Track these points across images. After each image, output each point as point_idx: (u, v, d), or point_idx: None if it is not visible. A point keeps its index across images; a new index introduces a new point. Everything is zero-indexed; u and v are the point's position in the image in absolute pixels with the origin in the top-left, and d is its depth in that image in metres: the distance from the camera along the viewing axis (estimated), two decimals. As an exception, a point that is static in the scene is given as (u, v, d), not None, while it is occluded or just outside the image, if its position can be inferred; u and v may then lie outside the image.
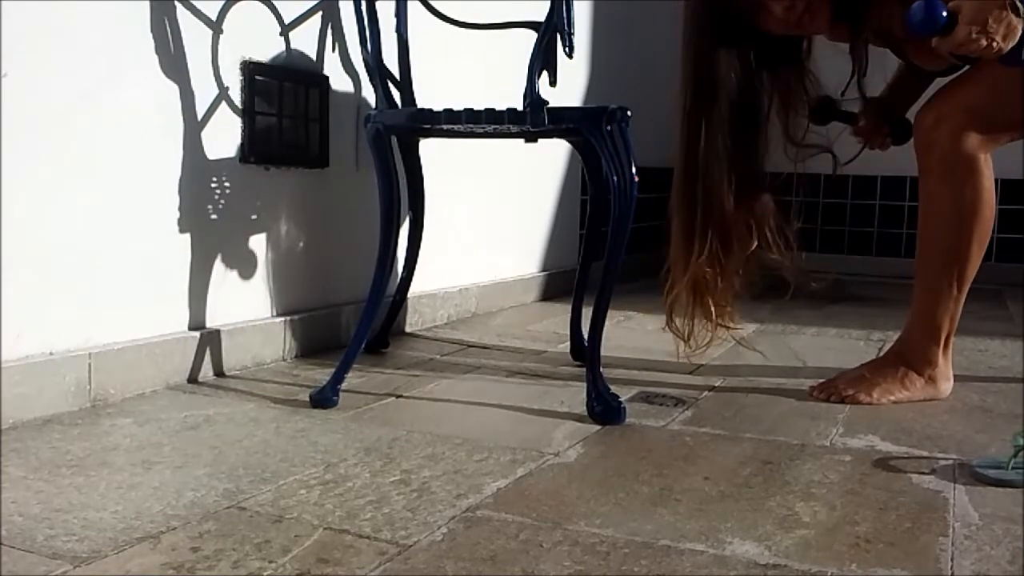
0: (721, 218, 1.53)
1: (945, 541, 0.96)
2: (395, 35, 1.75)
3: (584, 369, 1.48)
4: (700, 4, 1.49)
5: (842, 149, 1.63)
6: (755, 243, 1.55)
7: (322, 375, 1.55)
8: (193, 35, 1.55)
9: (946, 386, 1.58)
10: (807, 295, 1.59)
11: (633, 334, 2.19)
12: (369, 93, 1.90)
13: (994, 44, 1.27)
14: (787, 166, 1.59)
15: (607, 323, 1.46)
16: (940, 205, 1.51)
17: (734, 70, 1.49)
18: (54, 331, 1.36)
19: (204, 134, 1.59)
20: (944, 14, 1.26)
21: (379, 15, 1.61)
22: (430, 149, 1.88)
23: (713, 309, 1.57)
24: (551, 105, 1.44)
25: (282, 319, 1.77)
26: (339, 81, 1.89)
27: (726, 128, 1.50)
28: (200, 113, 1.57)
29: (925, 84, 1.73)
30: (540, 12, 1.47)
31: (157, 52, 1.49)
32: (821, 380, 1.64)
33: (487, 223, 2.49)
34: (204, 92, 1.58)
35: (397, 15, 1.74)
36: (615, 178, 1.40)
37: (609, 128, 1.40)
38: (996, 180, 1.52)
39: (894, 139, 1.73)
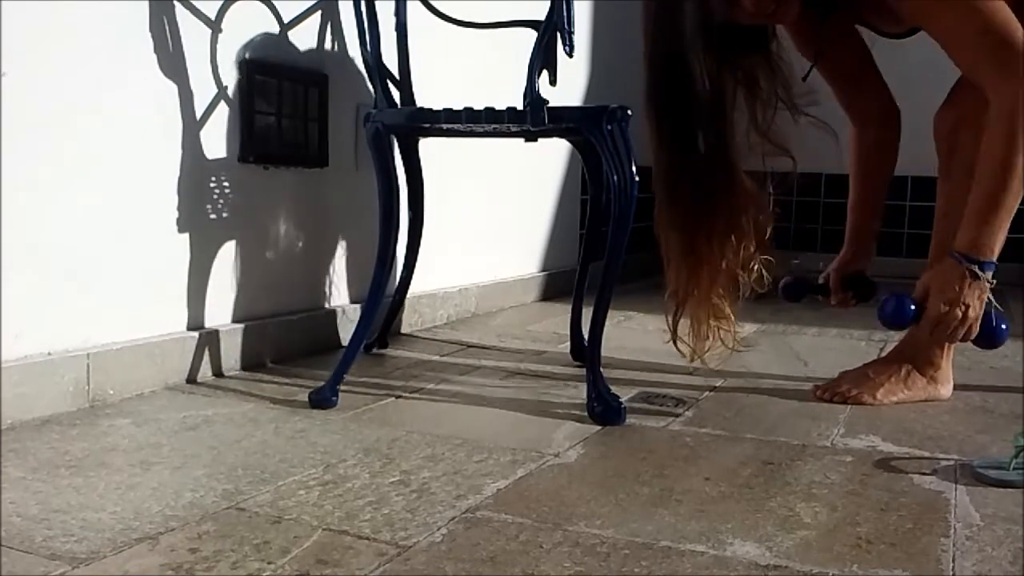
0: (735, 210, 1.47)
1: (946, 542, 0.96)
2: (395, 34, 1.74)
3: (584, 369, 1.47)
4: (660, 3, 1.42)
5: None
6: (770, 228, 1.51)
7: (321, 375, 1.54)
8: (192, 34, 1.55)
9: (948, 387, 1.58)
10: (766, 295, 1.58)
11: (633, 334, 2.19)
12: (369, 92, 1.90)
13: (969, 312, 1.31)
14: (788, 165, 1.57)
15: (607, 323, 1.46)
16: (962, 209, 1.49)
17: (701, 64, 1.39)
18: (53, 331, 1.35)
19: (203, 133, 1.58)
20: (913, 308, 1.34)
21: (379, 14, 1.60)
22: (430, 149, 1.88)
23: (730, 312, 1.53)
24: (551, 104, 1.43)
25: (281, 319, 1.77)
26: (338, 80, 1.89)
27: (709, 125, 1.43)
28: (199, 112, 1.57)
29: (875, 238, 1.74)
30: (540, 11, 1.47)
31: (156, 51, 1.48)
32: (822, 380, 1.63)
33: (487, 223, 2.49)
34: (203, 91, 1.58)
35: (397, 14, 1.74)
36: (615, 178, 1.39)
37: (609, 127, 1.40)
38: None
39: (859, 300, 1.73)
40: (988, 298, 1.33)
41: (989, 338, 1.35)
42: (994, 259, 1.33)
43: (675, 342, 1.54)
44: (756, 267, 1.51)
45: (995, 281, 1.33)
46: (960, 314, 1.32)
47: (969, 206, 1.34)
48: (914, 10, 1.36)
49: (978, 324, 1.33)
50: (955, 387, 1.60)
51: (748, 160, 1.49)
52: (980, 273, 1.31)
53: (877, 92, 1.66)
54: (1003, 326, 1.34)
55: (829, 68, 1.61)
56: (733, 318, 1.54)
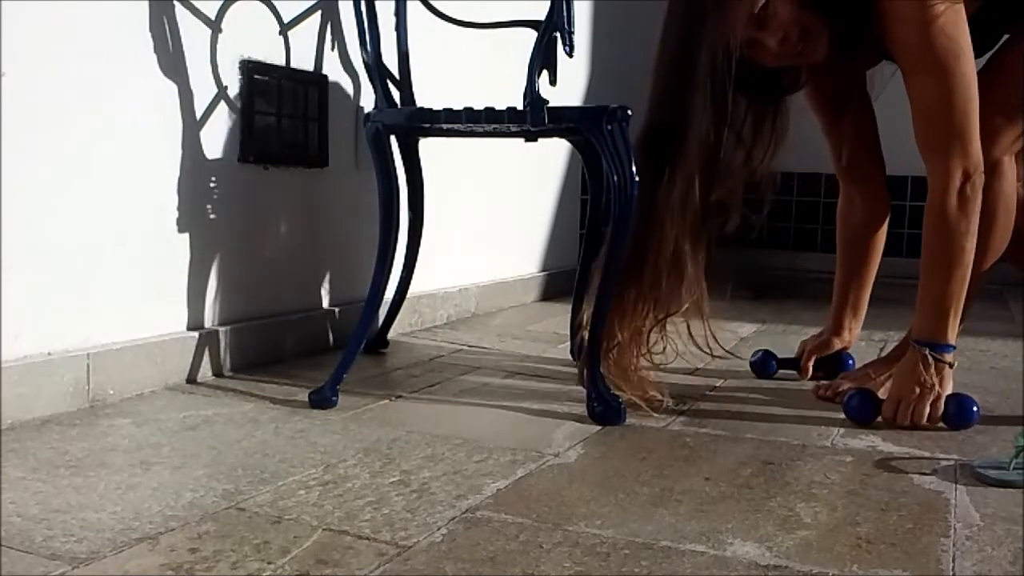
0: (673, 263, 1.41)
1: (947, 542, 0.96)
2: (395, 34, 1.75)
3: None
4: (677, 31, 1.38)
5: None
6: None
7: (321, 375, 1.54)
8: (192, 34, 1.55)
9: (947, 386, 1.57)
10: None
11: (633, 334, 2.18)
12: (368, 92, 1.90)
13: (930, 390, 1.37)
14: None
15: (607, 323, 1.46)
16: None
17: (710, 97, 1.36)
18: (53, 331, 1.35)
19: (203, 133, 1.58)
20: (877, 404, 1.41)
21: (379, 14, 1.60)
22: (430, 149, 1.88)
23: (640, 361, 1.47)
24: (551, 104, 1.43)
25: (281, 319, 1.77)
26: (338, 80, 1.89)
27: (697, 162, 1.39)
28: (199, 112, 1.57)
29: (860, 319, 1.76)
30: (540, 11, 1.47)
31: (156, 51, 1.48)
32: (823, 380, 1.64)
33: (487, 223, 2.49)
34: (203, 91, 1.58)
35: (397, 14, 1.74)
36: (615, 178, 1.39)
37: (609, 127, 1.39)
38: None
39: (826, 378, 1.73)
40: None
41: (962, 418, 1.39)
42: (951, 342, 1.40)
43: (624, 391, 1.45)
44: (657, 340, 1.45)
45: (955, 362, 1.41)
46: (919, 391, 1.37)
47: (919, 295, 1.40)
48: (902, 63, 1.38)
49: (942, 402, 1.38)
50: (955, 387, 1.59)
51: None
52: (937, 356, 1.38)
53: (874, 158, 1.66)
54: (974, 408, 1.39)
55: (833, 120, 1.63)
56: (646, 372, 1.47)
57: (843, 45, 1.40)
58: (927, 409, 1.37)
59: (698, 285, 1.43)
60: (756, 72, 1.41)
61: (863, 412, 1.41)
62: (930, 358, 1.38)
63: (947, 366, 1.39)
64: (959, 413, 1.38)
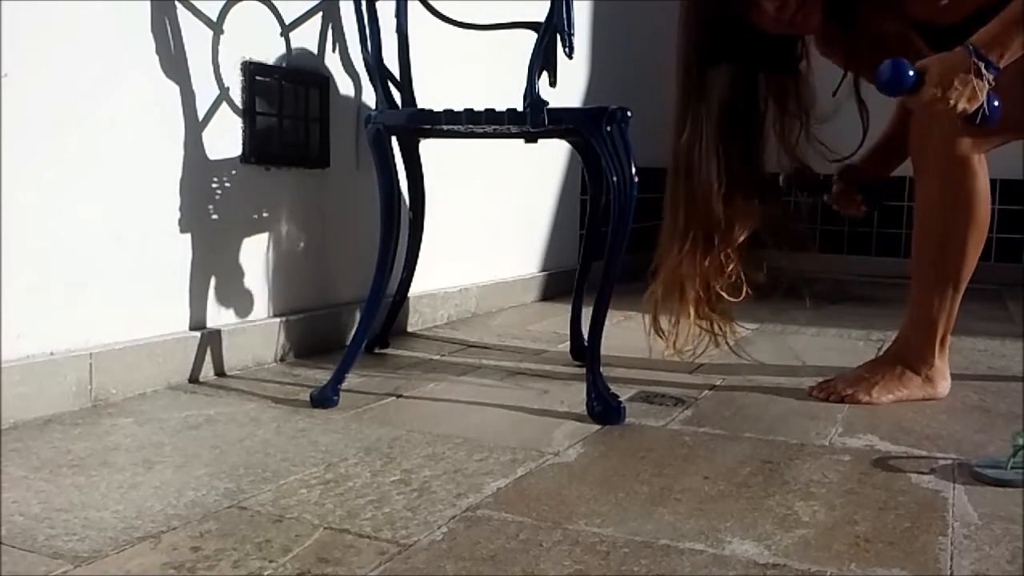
0: (707, 217, 1.50)
1: (944, 541, 0.97)
2: (395, 35, 1.75)
3: (584, 369, 1.48)
4: (692, 3, 1.47)
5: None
6: (738, 243, 1.52)
7: (323, 375, 1.55)
8: (193, 35, 1.55)
9: (944, 385, 1.58)
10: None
11: (633, 334, 2.19)
12: (369, 93, 1.91)
13: (959, 105, 1.31)
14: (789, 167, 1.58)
15: (607, 323, 1.46)
16: (935, 205, 1.52)
17: (729, 70, 1.47)
18: (55, 331, 1.36)
19: (205, 134, 1.59)
20: (911, 74, 1.31)
21: (379, 15, 1.61)
22: (430, 149, 1.88)
23: (694, 310, 1.55)
24: (551, 105, 1.44)
25: (283, 319, 1.77)
26: (339, 81, 1.89)
27: (717, 127, 1.48)
28: (201, 113, 1.58)
29: (903, 156, 1.72)
30: (540, 12, 1.48)
31: (157, 52, 1.49)
32: (821, 380, 1.64)
33: (487, 223, 2.49)
34: (205, 92, 1.58)
35: (397, 15, 1.75)
36: (615, 178, 1.40)
37: (609, 128, 1.40)
38: (995, 180, 1.52)
39: (868, 204, 1.72)
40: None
41: (975, 117, 1.32)
42: (1001, 65, 1.31)
43: (655, 325, 1.56)
44: (732, 274, 1.53)
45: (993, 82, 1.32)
46: (951, 104, 1.31)
47: (1007, 9, 1.32)
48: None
49: (963, 113, 1.33)
50: (952, 386, 1.60)
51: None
52: (984, 72, 1.30)
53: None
54: (995, 103, 1.32)
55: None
56: (700, 312, 1.55)
57: (836, 20, 1.45)
58: (950, 103, 1.31)
59: (752, 215, 1.50)
60: (764, 40, 1.46)
61: (897, 83, 1.31)
62: (980, 72, 1.29)
63: (984, 82, 1.31)
64: (981, 112, 1.31)
